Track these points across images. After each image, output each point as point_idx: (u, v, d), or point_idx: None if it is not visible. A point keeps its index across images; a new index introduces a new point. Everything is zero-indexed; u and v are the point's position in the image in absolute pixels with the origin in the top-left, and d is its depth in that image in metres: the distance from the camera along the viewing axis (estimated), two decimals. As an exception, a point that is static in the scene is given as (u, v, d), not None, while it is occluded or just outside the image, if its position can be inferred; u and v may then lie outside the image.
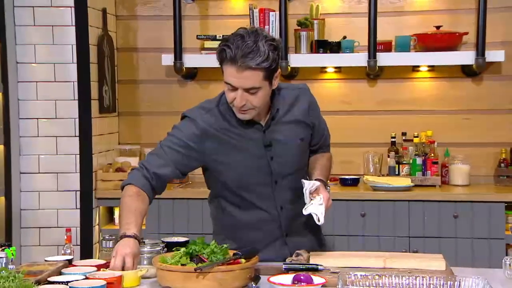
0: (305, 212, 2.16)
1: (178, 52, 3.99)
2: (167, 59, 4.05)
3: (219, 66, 2.14)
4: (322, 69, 4.16)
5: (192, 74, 4.23)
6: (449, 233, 3.61)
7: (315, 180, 2.25)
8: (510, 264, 1.96)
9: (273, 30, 3.95)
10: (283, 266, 2.11)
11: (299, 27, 4.02)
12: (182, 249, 1.99)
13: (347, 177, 3.92)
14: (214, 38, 4.01)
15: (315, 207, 2.14)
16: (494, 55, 3.79)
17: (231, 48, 2.06)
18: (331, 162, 2.45)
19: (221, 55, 2.10)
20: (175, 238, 2.35)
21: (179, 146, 2.23)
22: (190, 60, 4.04)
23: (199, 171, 4.27)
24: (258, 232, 2.31)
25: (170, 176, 2.25)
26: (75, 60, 3.73)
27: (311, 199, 2.16)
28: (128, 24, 4.28)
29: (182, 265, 1.93)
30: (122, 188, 2.24)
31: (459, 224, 3.62)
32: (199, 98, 4.15)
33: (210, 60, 3.98)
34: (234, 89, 2.11)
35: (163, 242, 2.24)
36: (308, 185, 2.18)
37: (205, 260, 1.94)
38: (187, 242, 2.22)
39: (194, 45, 4.10)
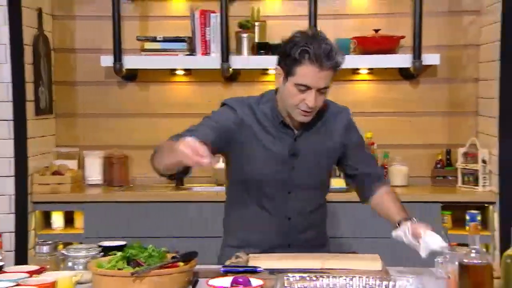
0: (425, 254, 2.09)
1: (117, 53, 3.94)
2: (106, 60, 4.00)
3: (288, 67, 2.12)
4: (264, 71, 4.18)
5: (132, 76, 4.19)
6: (388, 233, 3.68)
7: (400, 221, 2.20)
8: (442, 263, 2.01)
9: (214, 32, 3.95)
10: (221, 269, 2.11)
11: (240, 29, 4.04)
12: (119, 253, 1.97)
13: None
14: (154, 39, 3.98)
15: (434, 240, 2.08)
16: (429, 58, 3.90)
17: (312, 48, 2.08)
18: (396, 194, 2.39)
19: (302, 56, 2.09)
20: (112, 242, 2.31)
21: (214, 127, 2.20)
22: (130, 62, 3.99)
23: (138, 174, 4.24)
24: (260, 235, 2.32)
25: None
26: (9, 60, 3.63)
27: (419, 241, 2.10)
28: (65, 24, 4.20)
29: (119, 269, 1.90)
30: (153, 154, 2.15)
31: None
32: (140, 100, 4.21)
33: (150, 62, 4.00)
34: (306, 90, 2.12)
35: (99, 246, 2.20)
36: (405, 231, 2.11)
37: (142, 264, 1.92)
38: (124, 246, 2.19)
39: (134, 46, 4.06)
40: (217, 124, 2.22)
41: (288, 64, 2.13)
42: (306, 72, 2.10)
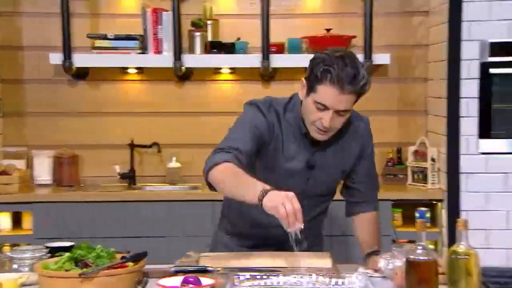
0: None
1: (67, 51, 3.88)
2: (55, 58, 3.93)
3: (311, 82, 2.08)
4: (217, 70, 4.18)
5: (82, 74, 4.13)
6: (340, 231, 3.72)
7: (366, 256, 2.25)
8: (389, 260, 2.05)
9: (166, 30, 3.93)
10: (172, 269, 2.10)
11: (193, 28, 4.02)
12: (66, 254, 1.94)
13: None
14: (105, 37, 3.93)
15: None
16: (380, 58, 3.96)
17: (336, 69, 2.03)
18: (378, 223, 2.40)
19: (323, 75, 2.05)
20: (59, 243, 2.27)
21: (255, 134, 2.16)
22: (80, 60, 3.94)
23: (90, 173, 4.20)
24: (258, 230, 2.30)
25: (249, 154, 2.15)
26: (-48, 58, 3.54)
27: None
28: (11, 20, 4.11)
29: (66, 270, 1.87)
30: (209, 169, 2.09)
31: (349, 222, 3.72)
32: (91, 99, 4.16)
33: (101, 60, 3.95)
34: (324, 109, 2.09)
35: (46, 247, 2.16)
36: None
37: (91, 265, 1.90)
38: (72, 246, 2.16)
39: (84, 44, 4.01)
40: (256, 129, 2.17)
41: (311, 80, 2.09)
42: (326, 92, 2.06)
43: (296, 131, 2.22)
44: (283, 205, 1.89)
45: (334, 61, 2.05)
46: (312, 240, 2.42)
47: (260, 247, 2.32)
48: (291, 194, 1.92)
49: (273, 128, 2.20)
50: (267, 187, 1.97)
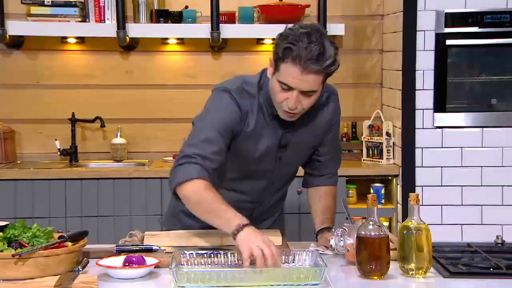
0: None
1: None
2: (-13, 26, 3.83)
3: (275, 61, 2.06)
4: (164, 41, 4.13)
5: (17, 43, 4.03)
6: (293, 208, 3.75)
7: (318, 233, 2.28)
8: (341, 236, 2.08)
9: (109, -3, 3.87)
10: (114, 248, 2.09)
11: (138, -5, 3.96)
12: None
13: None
14: (41, 3, 3.84)
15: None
16: (334, 28, 3.96)
17: (298, 47, 1.98)
18: (335, 199, 2.41)
19: (285, 53, 2.01)
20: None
21: (226, 131, 2.15)
22: (15, 28, 3.84)
23: (28, 150, 4.12)
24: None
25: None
26: None
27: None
28: None
29: (-1, 251, 1.85)
30: (178, 184, 2.10)
31: (302, 200, 3.77)
32: (26, 69, 4.07)
33: (38, 28, 3.86)
34: (289, 89, 2.05)
35: (-22, 228, 2.12)
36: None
37: (26, 245, 1.87)
38: (6, 226, 2.12)
39: (19, 11, 3.91)
40: (226, 125, 2.15)
41: (275, 58, 2.06)
42: (288, 72, 2.03)
43: (268, 112, 2.20)
44: (258, 247, 1.91)
45: (298, 38, 2.01)
46: (276, 218, 2.48)
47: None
48: (268, 239, 1.95)
49: (246, 114, 2.18)
50: (245, 221, 1.99)
